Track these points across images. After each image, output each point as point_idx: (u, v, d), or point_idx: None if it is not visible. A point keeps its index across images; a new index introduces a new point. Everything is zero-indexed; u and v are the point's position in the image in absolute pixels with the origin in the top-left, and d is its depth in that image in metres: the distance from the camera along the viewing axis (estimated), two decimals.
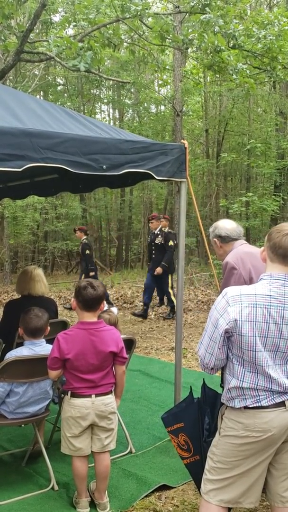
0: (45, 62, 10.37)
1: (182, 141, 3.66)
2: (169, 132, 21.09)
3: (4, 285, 14.40)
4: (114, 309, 3.78)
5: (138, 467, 3.50)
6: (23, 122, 3.09)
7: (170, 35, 7.49)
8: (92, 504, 3.02)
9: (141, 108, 21.33)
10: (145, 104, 21.18)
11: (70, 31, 9.41)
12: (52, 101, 22.58)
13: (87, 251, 9.86)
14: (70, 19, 8.41)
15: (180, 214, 3.73)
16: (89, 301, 2.90)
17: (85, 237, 10.15)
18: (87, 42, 7.05)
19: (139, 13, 7.10)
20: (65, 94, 21.05)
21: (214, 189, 20.19)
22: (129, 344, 3.68)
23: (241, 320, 2.02)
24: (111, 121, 25.27)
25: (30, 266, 4.62)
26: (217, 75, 8.32)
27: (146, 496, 3.11)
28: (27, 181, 5.40)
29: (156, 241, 8.98)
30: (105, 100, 23.98)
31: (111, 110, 26.00)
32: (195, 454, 2.41)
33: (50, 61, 9.83)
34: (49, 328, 3.36)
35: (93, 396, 2.87)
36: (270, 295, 2.04)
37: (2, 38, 7.72)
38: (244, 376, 2.06)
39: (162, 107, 21.83)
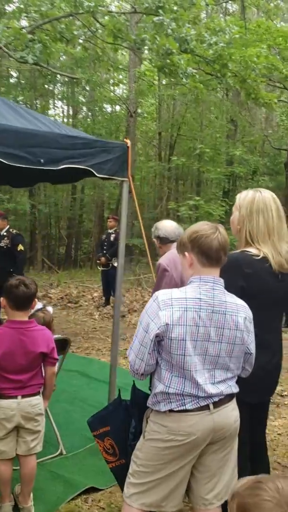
0: None
1: (125, 140, 3.63)
2: (123, 132, 21.07)
3: None
4: (50, 308, 3.69)
5: (67, 469, 3.43)
6: None
7: (123, 34, 7.45)
8: (16, 508, 2.93)
9: (95, 107, 21.20)
10: (99, 103, 21.06)
11: (24, 23, 9.19)
12: (3, 94, 22.03)
13: None
14: (22, 10, 8.21)
15: (121, 212, 3.70)
16: (21, 300, 2.80)
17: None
18: (38, 35, 6.89)
19: (91, 9, 7.01)
20: (19, 88, 20.59)
21: (165, 192, 20.35)
22: (63, 344, 3.60)
23: (172, 324, 2.00)
24: (65, 118, 24.96)
25: None
26: (169, 78, 8.36)
27: (73, 499, 3.05)
28: None
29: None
30: (59, 96, 23.67)
31: (65, 107, 25.69)
32: (120, 458, 2.37)
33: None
34: None
35: (19, 397, 2.77)
36: (200, 298, 2.03)
37: None
38: (171, 381, 2.04)
39: (118, 107, 21.81)
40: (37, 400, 2.86)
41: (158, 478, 2.10)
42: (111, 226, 9.51)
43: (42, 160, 3.12)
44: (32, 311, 3.68)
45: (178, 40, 7.32)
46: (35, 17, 8.03)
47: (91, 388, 5.28)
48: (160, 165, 18.90)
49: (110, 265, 9.19)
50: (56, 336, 3.69)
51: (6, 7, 9.44)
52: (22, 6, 8.69)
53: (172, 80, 10.22)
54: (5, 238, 7.04)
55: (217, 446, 2.11)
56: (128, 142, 3.60)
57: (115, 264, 9.18)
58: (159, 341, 2.03)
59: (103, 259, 9.39)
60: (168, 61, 6.87)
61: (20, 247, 7.05)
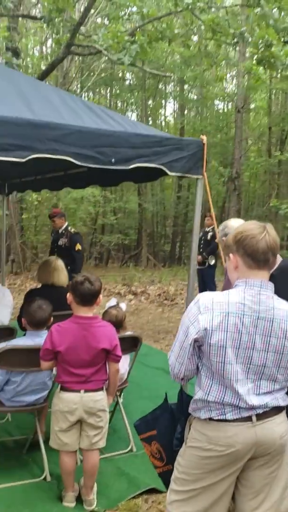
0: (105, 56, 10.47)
1: (201, 136, 3.53)
2: (233, 128, 20.67)
3: None
4: (123, 305, 3.73)
5: (134, 467, 3.44)
6: (34, 113, 3.09)
7: (222, 29, 7.28)
8: (80, 499, 3.01)
9: (205, 104, 21.07)
10: (208, 101, 20.89)
11: (128, 26, 9.42)
12: (115, 96, 22.82)
13: None
14: (124, 13, 8.41)
15: (195, 210, 3.61)
16: (86, 296, 2.87)
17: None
18: (136, 37, 7.01)
19: (189, 6, 6.95)
20: (134, 91, 21.16)
21: (275, 188, 19.59)
22: (135, 341, 3.61)
23: (211, 329, 1.90)
24: (175, 115, 25.17)
25: (51, 257, 4.68)
26: (269, 71, 7.99)
27: (134, 497, 3.06)
28: (61, 173, 5.47)
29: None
30: (171, 96, 23.91)
31: (175, 106, 25.88)
32: (167, 463, 2.31)
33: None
34: (52, 319, 3.36)
35: (82, 391, 2.84)
36: (244, 303, 1.90)
37: (55, 31, 7.84)
38: (210, 389, 1.94)
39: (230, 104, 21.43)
40: (100, 395, 2.91)
41: (200, 488, 2.01)
42: (208, 225, 9.31)
43: (113, 160, 3.15)
44: (106, 307, 3.76)
45: (280, 30, 6.96)
46: (136, 19, 8.17)
47: (174, 387, 5.22)
48: (267, 161, 18.20)
49: (207, 263, 9.04)
50: (127, 333, 3.73)
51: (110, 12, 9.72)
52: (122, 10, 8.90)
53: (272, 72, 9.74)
54: (63, 237, 7.10)
55: (262, 461, 1.96)
56: (204, 138, 3.50)
57: (212, 263, 9.06)
58: (200, 346, 1.94)
59: (199, 257, 9.24)
60: (267, 53, 6.57)
61: (78, 246, 7.00)
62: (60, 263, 4.46)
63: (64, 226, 7.18)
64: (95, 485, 3.06)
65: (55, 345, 2.83)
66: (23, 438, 3.72)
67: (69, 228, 7.23)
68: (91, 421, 2.88)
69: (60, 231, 7.20)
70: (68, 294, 2.93)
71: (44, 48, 19.20)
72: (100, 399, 2.90)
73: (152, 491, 3.13)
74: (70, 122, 3.16)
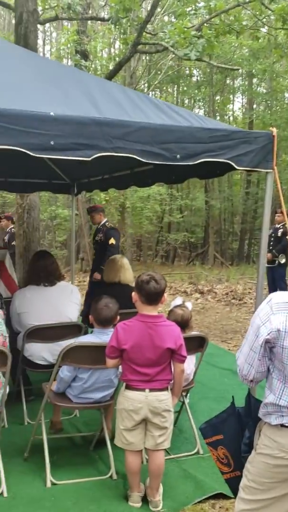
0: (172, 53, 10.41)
1: (270, 128, 3.38)
2: None
3: None
4: (188, 304, 3.66)
5: (201, 470, 3.36)
6: (100, 112, 3.10)
7: None
8: (146, 500, 2.98)
9: (275, 97, 20.42)
10: (278, 93, 20.22)
11: (195, 22, 9.30)
12: (182, 93, 22.70)
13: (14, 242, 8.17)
14: (190, 8, 8.30)
15: (265, 206, 3.46)
16: (151, 295, 2.83)
17: (12, 226, 9.05)
18: (202, 31, 6.89)
19: None
20: (201, 87, 20.96)
21: None
22: (201, 342, 3.53)
23: (285, 331, 1.79)
24: (243, 110, 24.64)
25: (117, 255, 4.70)
26: None
27: (200, 501, 2.98)
28: (127, 172, 5.49)
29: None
30: (239, 90, 23.41)
31: (244, 100, 25.31)
32: (235, 469, 2.22)
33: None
34: (118, 317, 3.36)
35: (147, 390, 2.81)
36: None
37: (122, 31, 7.89)
38: (282, 393, 1.83)
39: None
40: (165, 395, 2.86)
41: (271, 498, 1.90)
42: (278, 221, 8.99)
43: (178, 156, 3.09)
44: (171, 306, 3.71)
45: None
46: (202, 13, 8.04)
47: (242, 389, 5.07)
48: None
49: (277, 262, 8.74)
50: (193, 333, 3.66)
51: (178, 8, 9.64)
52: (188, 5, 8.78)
53: None
54: (100, 232, 6.97)
55: None
56: (274, 130, 3.34)
57: (282, 261, 8.74)
58: (271, 347, 1.84)
59: (269, 255, 8.89)
60: None
61: (112, 241, 6.73)
62: (125, 261, 4.47)
63: (103, 222, 7.03)
64: (161, 486, 3.02)
65: (121, 343, 2.82)
66: (91, 435, 3.75)
67: (107, 223, 7.09)
68: (156, 421, 2.84)
69: (98, 226, 7.09)
70: (133, 293, 2.91)
71: (112, 49, 19.48)
72: (165, 399, 2.85)
73: (219, 496, 3.04)
74: (135, 119, 3.13)
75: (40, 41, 20.25)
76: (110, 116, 3.02)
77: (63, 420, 3.97)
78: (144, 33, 8.25)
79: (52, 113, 2.78)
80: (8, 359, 2.94)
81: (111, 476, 3.22)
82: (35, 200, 7.97)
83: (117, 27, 8.25)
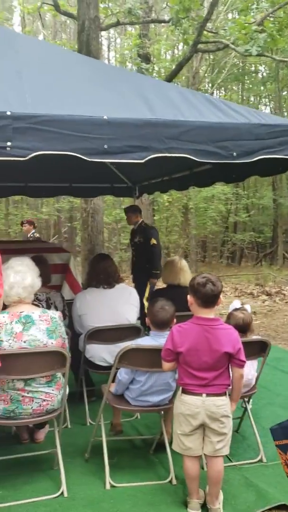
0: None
1: None
2: None
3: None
4: (248, 307, 3.54)
5: (264, 479, 3.23)
6: (155, 113, 3.08)
7: None
8: (205, 507, 2.91)
9: None
10: None
11: (258, 17, 9.07)
12: (247, 90, 22.25)
13: None
14: (252, 3, 8.11)
15: None
16: (208, 298, 2.77)
17: (33, 230, 9.07)
18: (264, 25, 6.69)
19: None
20: (267, 83, 20.46)
21: None
22: (262, 346, 3.40)
23: None
24: None
25: (175, 257, 4.65)
26: None
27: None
28: (187, 173, 5.45)
29: None
30: None
31: None
32: None
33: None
34: (175, 320, 3.32)
35: (204, 395, 2.74)
36: None
37: (183, 32, 7.85)
38: None
39: None
40: (223, 401, 2.78)
41: None
42: None
43: (234, 154, 3.02)
44: (230, 309, 3.61)
45: None
46: (265, 7, 7.82)
47: None
48: None
49: None
50: (254, 337, 3.54)
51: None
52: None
53: None
54: (138, 234, 6.79)
55: None
56: None
57: None
58: None
59: None
60: None
61: (153, 241, 6.57)
62: (184, 263, 4.42)
63: (139, 222, 6.86)
64: (221, 494, 2.94)
65: (176, 345, 2.78)
66: (151, 438, 3.73)
67: (143, 224, 6.90)
68: (214, 427, 2.76)
69: (134, 228, 6.93)
70: (188, 296, 2.85)
71: (176, 51, 19.48)
72: (222, 404, 2.77)
73: (283, 507, 2.90)
74: (189, 118, 3.09)
75: (104, 47, 20.68)
76: (164, 117, 3.01)
77: (124, 422, 3.99)
78: (205, 32, 8.17)
79: (105, 117, 2.80)
80: (67, 360, 2.99)
81: (170, 481, 3.18)
82: (99, 204, 8.14)
83: (177, 28, 8.22)
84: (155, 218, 15.76)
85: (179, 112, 3.18)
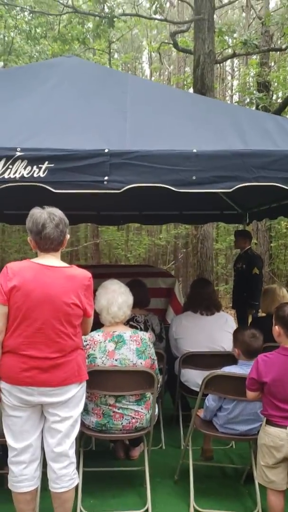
0: None
1: None
2: None
3: None
4: None
5: None
6: (246, 143, 3.15)
7: None
8: None
9: None
10: None
11: None
12: None
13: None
14: None
15: None
16: None
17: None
18: None
19: None
20: None
21: None
22: None
23: None
24: None
25: (275, 285, 4.57)
26: None
27: None
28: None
29: None
30: None
31: None
32: None
33: None
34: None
35: None
36: None
37: None
38: None
39: None
40: None
41: None
42: None
43: None
44: None
45: None
46: None
47: None
48: None
49: None
50: None
51: None
52: None
53: None
54: (242, 260, 6.51)
55: None
56: None
57: None
58: None
59: None
60: None
61: (256, 270, 6.28)
62: (286, 292, 4.33)
63: (246, 249, 6.59)
64: None
65: (261, 375, 2.76)
66: (242, 467, 3.68)
67: (249, 251, 6.60)
68: None
69: (240, 253, 6.69)
70: (274, 326, 2.83)
71: None
72: None
73: None
74: (282, 147, 3.11)
75: (229, 77, 20.99)
76: (255, 147, 3.07)
77: (218, 449, 3.99)
78: None
79: (194, 150, 2.95)
80: (155, 381, 3.12)
81: None
82: (209, 230, 8.26)
83: None
84: (272, 245, 15.36)
85: (271, 142, 3.21)
